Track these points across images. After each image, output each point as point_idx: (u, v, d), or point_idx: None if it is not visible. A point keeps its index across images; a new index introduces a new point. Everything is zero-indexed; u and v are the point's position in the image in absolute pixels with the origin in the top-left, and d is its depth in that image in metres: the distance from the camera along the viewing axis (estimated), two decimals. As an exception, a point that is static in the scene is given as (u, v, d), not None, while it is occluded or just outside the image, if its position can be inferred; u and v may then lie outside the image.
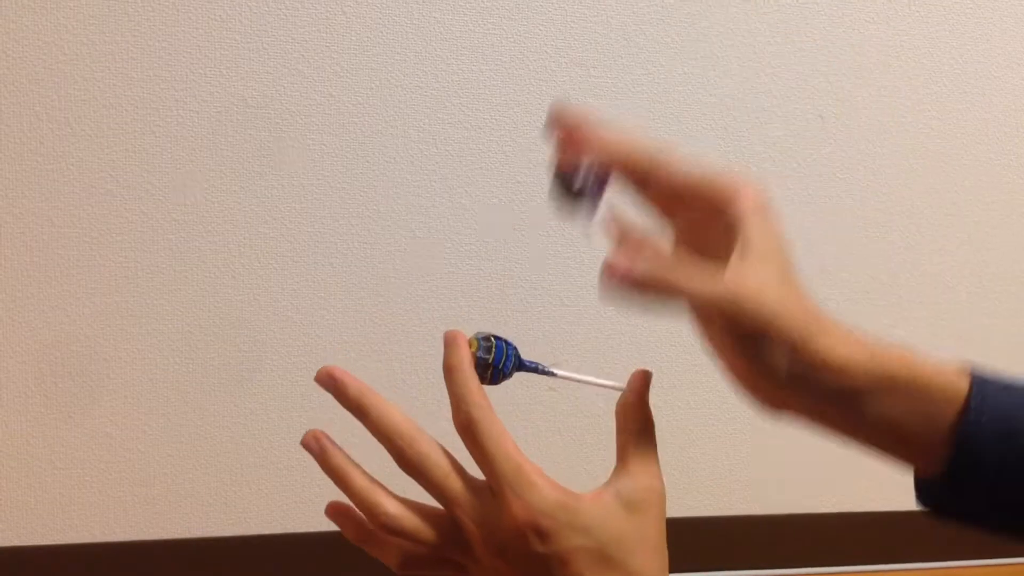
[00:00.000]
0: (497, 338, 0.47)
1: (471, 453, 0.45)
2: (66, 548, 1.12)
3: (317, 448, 0.47)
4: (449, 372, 0.46)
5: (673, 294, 0.43)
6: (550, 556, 0.43)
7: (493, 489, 0.44)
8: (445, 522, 0.45)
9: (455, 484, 0.45)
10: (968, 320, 1.31)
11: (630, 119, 1.13)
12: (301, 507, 1.17)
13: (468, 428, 0.45)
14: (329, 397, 0.47)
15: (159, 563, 1.15)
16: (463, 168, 1.11)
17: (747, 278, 0.43)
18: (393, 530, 0.45)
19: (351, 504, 0.46)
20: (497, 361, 0.46)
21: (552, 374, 0.48)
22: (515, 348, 0.47)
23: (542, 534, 0.42)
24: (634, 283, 0.42)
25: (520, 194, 1.13)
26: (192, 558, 1.15)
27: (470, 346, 0.46)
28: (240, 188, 1.07)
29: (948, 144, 1.21)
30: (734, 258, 0.44)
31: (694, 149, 1.15)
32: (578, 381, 0.48)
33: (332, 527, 0.47)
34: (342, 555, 1.16)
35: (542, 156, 1.16)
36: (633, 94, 1.11)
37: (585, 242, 1.17)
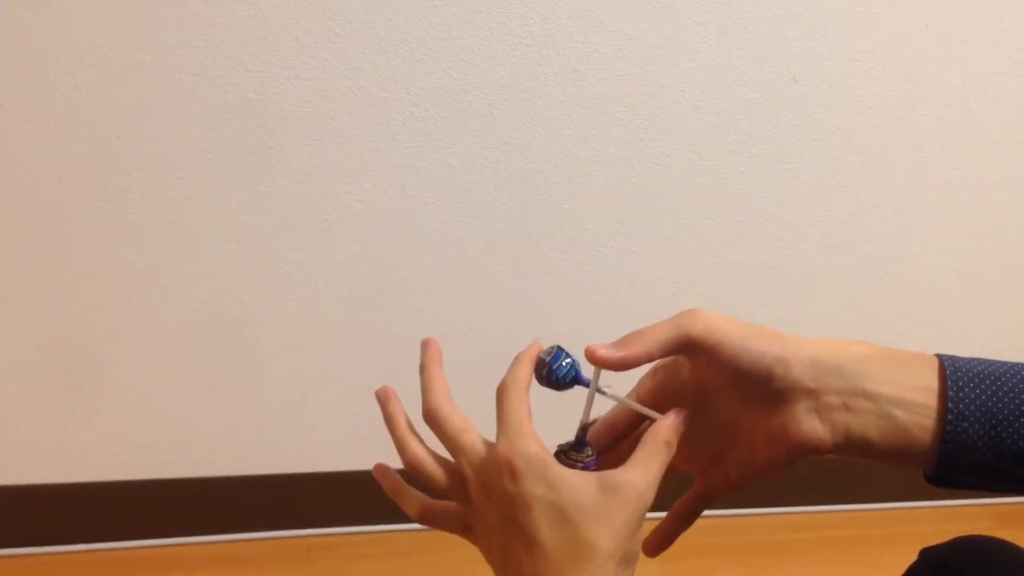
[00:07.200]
0: (562, 348, 0.53)
1: (497, 409, 0.51)
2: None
3: (384, 398, 0.53)
4: (519, 359, 0.53)
5: (649, 353, 0.49)
6: (516, 497, 0.48)
7: (496, 441, 0.50)
8: (455, 474, 0.51)
9: (465, 437, 0.51)
10: (932, 277, 1.36)
11: (610, 84, 1.14)
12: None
13: (499, 390, 0.51)
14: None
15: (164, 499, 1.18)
16: (451, 129, 1.12)
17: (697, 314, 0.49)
18: (415, 468, 0.52)
19: (390, 466, 0.54)
20: (552, 362, 0.52)
21: (603, 393, 0.52)
22: (575, 361, 0.51)
23: (513, 473, 0.48)
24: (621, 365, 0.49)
25: (506, 154, 1.15)
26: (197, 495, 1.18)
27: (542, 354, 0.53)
28: (238, 149, 1.08)
29: (915, 106, 1.24)
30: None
31: (672, 112, 1.16)
32: (622, 402, 0.52)
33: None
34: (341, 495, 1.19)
35: (526, 117, 1.18)
36: (613, 59, 1.13)
37: (566, 201, 1.19)
